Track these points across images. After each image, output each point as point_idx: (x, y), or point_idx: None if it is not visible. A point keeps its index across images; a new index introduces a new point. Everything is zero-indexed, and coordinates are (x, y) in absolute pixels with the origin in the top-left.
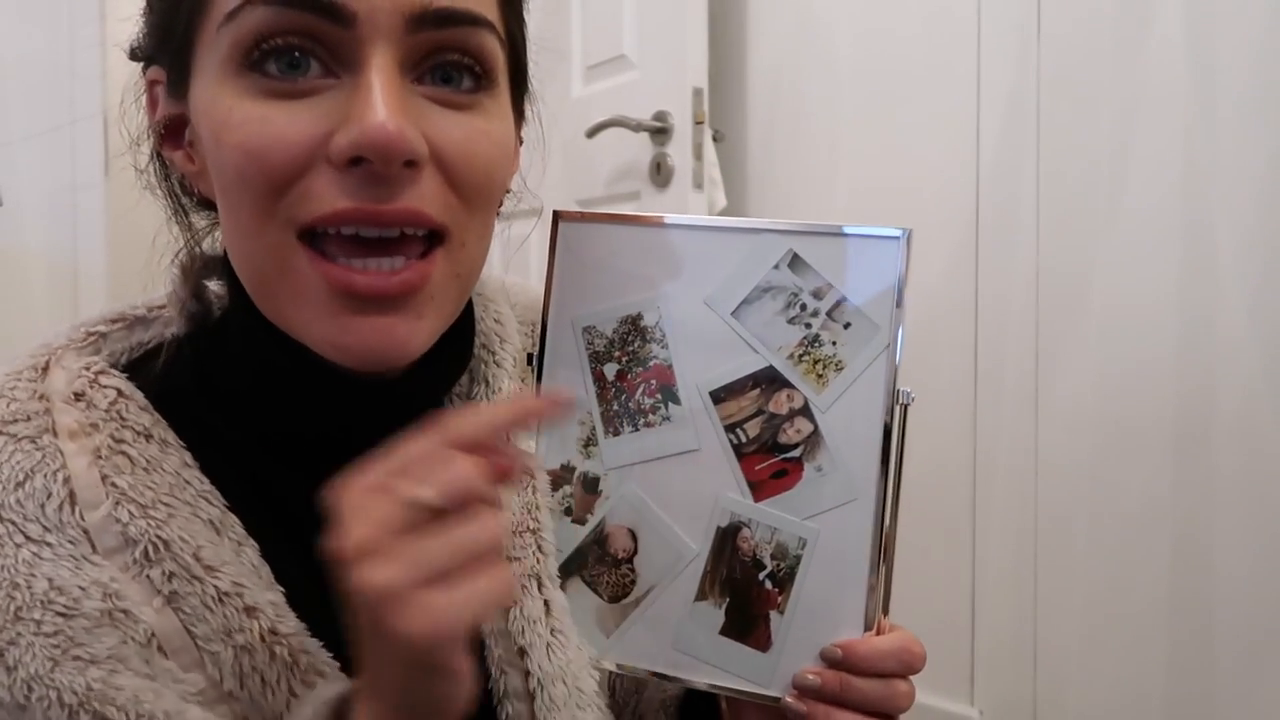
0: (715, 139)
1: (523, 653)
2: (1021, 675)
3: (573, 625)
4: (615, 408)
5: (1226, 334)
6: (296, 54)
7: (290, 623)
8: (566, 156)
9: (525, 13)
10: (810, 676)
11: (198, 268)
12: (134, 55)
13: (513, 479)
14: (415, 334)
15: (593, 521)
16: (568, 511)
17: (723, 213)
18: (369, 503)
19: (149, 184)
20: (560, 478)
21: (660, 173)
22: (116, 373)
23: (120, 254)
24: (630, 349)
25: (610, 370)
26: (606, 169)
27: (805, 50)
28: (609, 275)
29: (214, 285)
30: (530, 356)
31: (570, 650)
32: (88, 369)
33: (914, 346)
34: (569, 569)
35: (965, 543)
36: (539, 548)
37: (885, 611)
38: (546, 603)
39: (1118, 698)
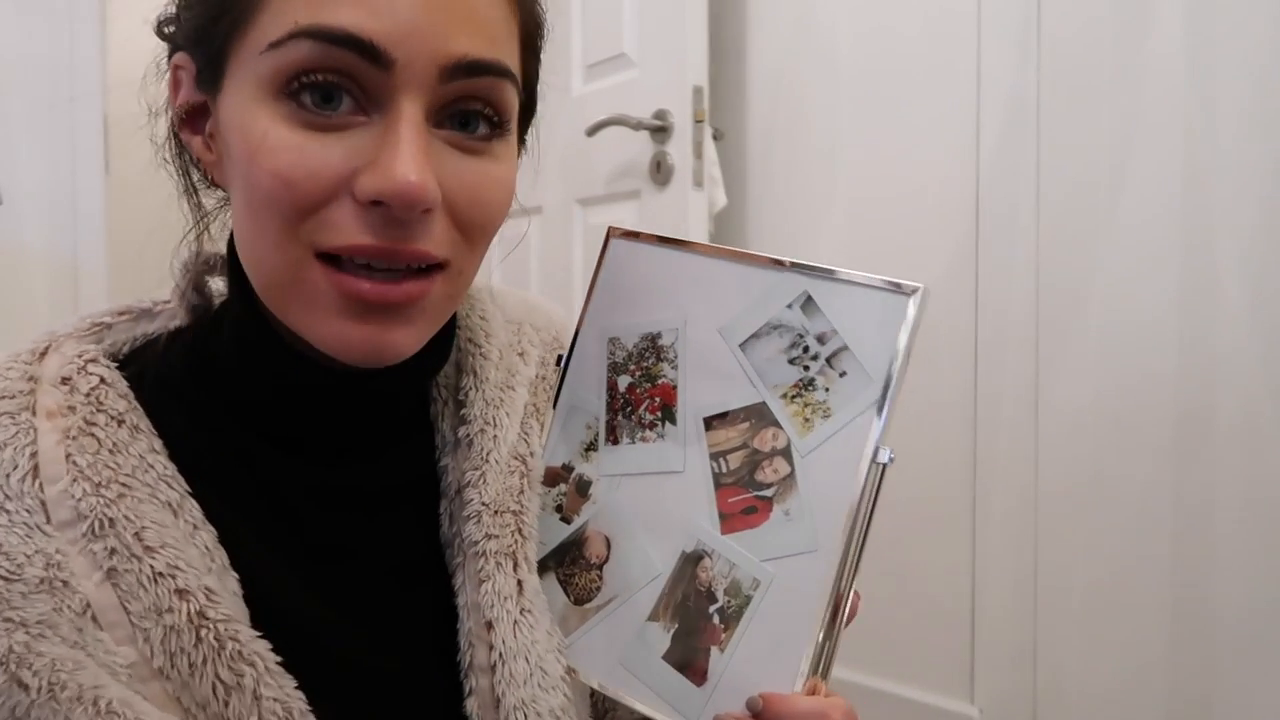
0: (715, 137)
1: (490, 626)
2: (1021, 673)
3: (546, 610)
4: (620, 418)
5: (1227, 333)
6: (333, 89)
7: (223, 609)
8: (566, 155)
9: (540, 50)
10: None
11: (200, 263)
12: (160, 34)
13: None
14: (408, 339)
15: (577, 522)
16: (558, 508)
17: (723, 211)
18: None
19: (163, 159)
20: (559, 475)
21: (660, 171)
22: (106, 362)
23: (120, 251)
24: (645, 365)
25: (623, 382)
26: (606, 167)
27: (805, 50)
28: (642, 293)
29: (215, 281)
30: (559, 359)
31: (539, 631)
32: (79, 356)
33: (914, 346)
34: (547, 563)
35: (965, 542)
36: (519, 529)
37: (825, 675)
38: (520, 583)
39: (1118, 696)
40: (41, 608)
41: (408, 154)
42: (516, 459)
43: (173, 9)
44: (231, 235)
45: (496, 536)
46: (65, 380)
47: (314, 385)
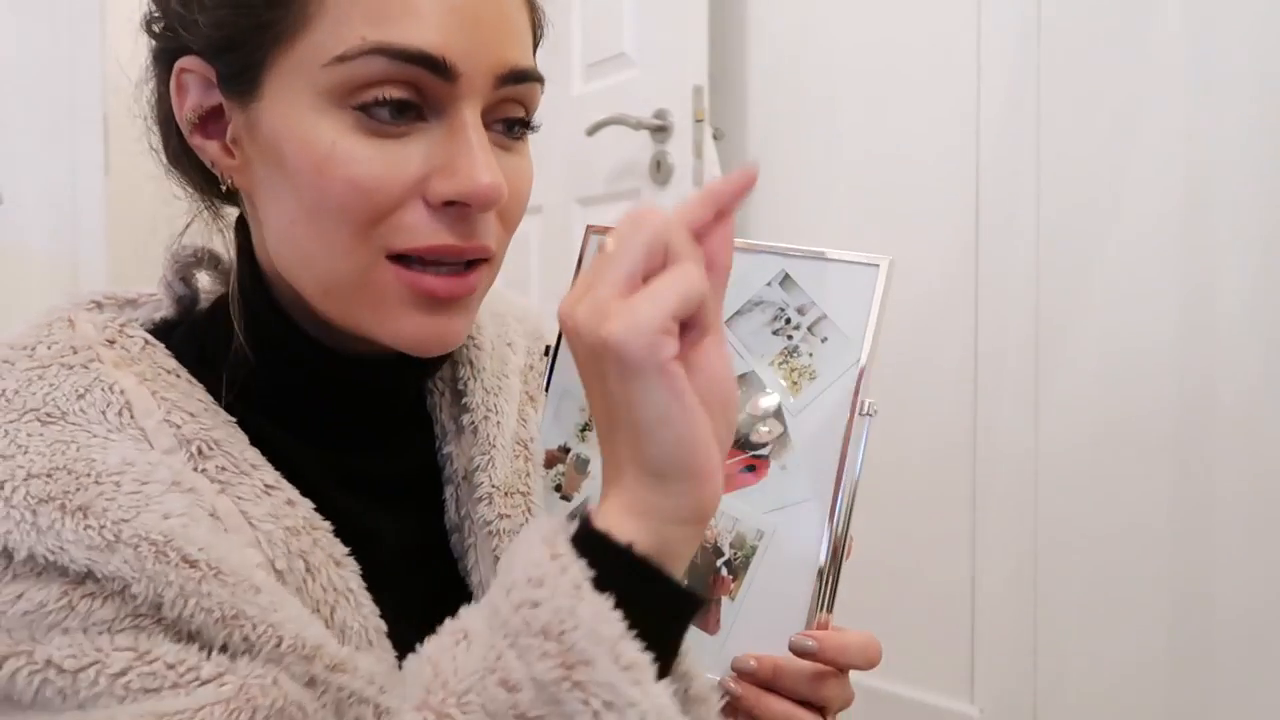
0: (715, 137)
1: None
2: (1021, 673)
3: None
4: None
5: (1227, 331)
6: (403, 102)
7: (324, 521)
8: (567, 154)
9: (540, 43)
10: (752, 661)
11: (186, 257)
12: (151, 33)
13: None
14: (464, 327)
15: (578, 499)
16: (558, 488)
17: None
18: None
19: (165, 165)
20: (556, 457)
21: (660, 170)
22: (135, 329)
23: (120, 251)
24: None
25: None
26: (607, 167)
27: (805, 49)
28: None
29: (202, 277)
30: (548, 348)
31: None
32: (112, 322)
33: (915, 345)
34: None
35: (965, 541)
36: (528, 509)
37: (830, 609)
38: None
39: (1118, 695)
40: (181, 504)
41: (482, 158)
42: (519, 444)
43: (161, 11)
44: (246, 235)
45: (509, 516)
46: (111, 342)
47: (328, 374)
